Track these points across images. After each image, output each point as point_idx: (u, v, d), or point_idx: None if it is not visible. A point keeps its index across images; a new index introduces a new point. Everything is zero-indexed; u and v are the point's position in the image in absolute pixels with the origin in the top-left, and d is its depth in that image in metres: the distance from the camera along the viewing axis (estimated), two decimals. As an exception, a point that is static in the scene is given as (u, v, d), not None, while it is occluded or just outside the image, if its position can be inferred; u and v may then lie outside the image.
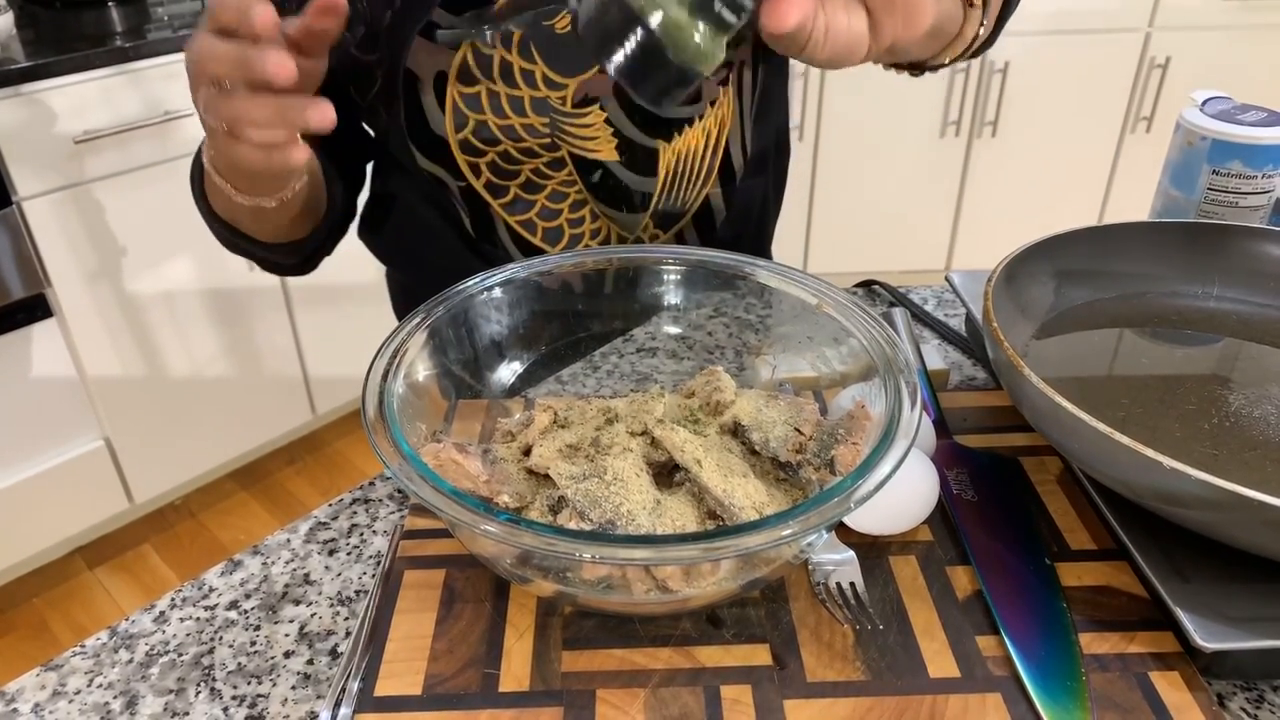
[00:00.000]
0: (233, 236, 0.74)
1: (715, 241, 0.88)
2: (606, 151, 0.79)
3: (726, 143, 0.83)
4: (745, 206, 0.89)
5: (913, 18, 0.47)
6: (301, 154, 0.53)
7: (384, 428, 0.48)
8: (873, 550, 0.55)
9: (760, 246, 0.97)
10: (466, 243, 0.84)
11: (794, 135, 2.06)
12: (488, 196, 0.80)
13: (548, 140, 0.77)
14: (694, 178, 0.83)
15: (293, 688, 0.49)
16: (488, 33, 0.68)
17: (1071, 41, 2.29)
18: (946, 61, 0.68)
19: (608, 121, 0.77)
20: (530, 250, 0.83)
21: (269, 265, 0.80)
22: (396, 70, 0.73)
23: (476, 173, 0.78)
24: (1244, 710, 0.47)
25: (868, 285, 0.87)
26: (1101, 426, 0.48)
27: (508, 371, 0.64)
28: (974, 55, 0.68)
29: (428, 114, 0.75)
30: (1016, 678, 0.47)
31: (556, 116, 0.76)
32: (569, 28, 0.74)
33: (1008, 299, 0.64)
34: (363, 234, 0.94)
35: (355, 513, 0.61)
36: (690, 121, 0.79)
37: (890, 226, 2.56)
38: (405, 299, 0.96)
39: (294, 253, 0.79)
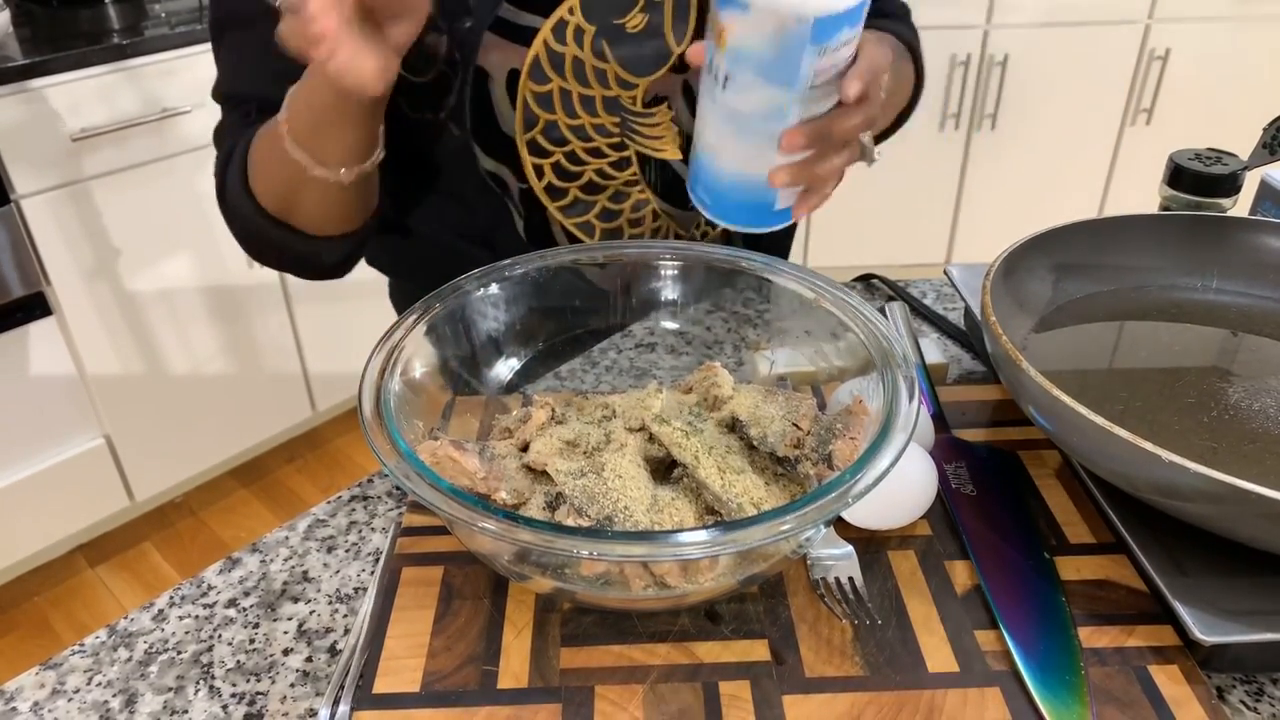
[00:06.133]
0: (278, 231, 0.72)
1: (757, 236, 0.89)
2: (670, 150, 0.80)
3: None
4: None
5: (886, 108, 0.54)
6: (376, 68, 0.53)
7: (381, 425, 0.48)
8: (871, 545, 0.55)
9: (786, 244, 0.99)
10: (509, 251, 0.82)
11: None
12: (546, 200, 0.79)
13: (617, 140, 0.78)
14: None
15: (291, 685, 0.49)
16: None
17: (1071, 34, 2.29)
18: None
19: (673, 120, 0.79)
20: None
21: (305, 264, 0.78)
22: (468, 68, 0.72)
23: (540, 174, 0.78)
24: (1243, 703, 0.47)
25: (866, 279, 0.87)
26: (1100, 420, 0.48)
27: (505, 368, 0.64)
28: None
29: (498, 111, 0.75)
30: (1015, 672, 0.47)
31: (627, 116, 0.77)
32: (640, 27, 0.74)
33: (1006, 293, 0.64)
34: (380, 254, 0.92)
35: (354, 510, 0.61)
36: None
37: (889, 220, 2.55)
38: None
39: (338, 247, 0.76)
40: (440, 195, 0.82)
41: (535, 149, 0.77)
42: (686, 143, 0.78)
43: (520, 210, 0.80)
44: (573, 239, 0.82)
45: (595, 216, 0.81)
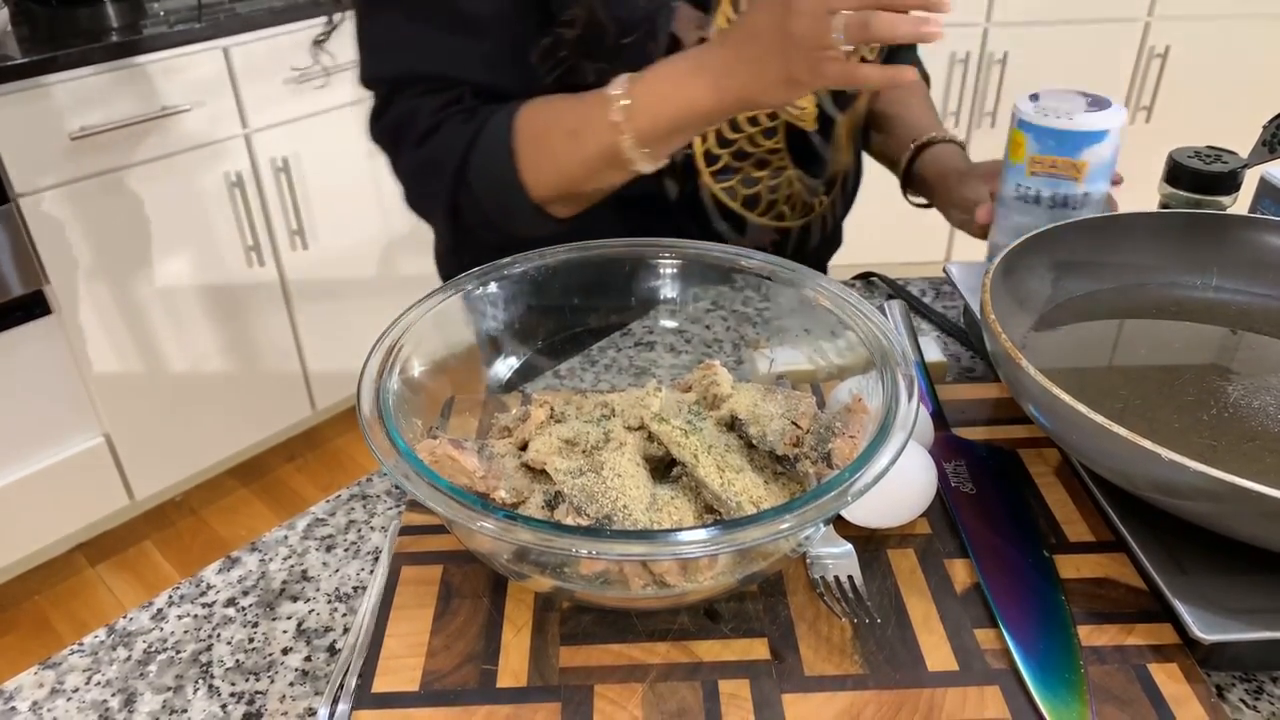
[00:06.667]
0: (535, 217, 0.76)
1: (850, 203, 1.02)
2: (809, 122, 0.86)
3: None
4: (860, 174, 1.02)
5: None
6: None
7: (379, 424, 0.47)
8: (871, 544, 0.55)
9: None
10: (650, 219, 0.86)
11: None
12: (702, 164, 0.84)
13: (771, 110, 0.83)
14: (844, 146, 0.93)
15: (291, 684, 0.49)
16: None
17: (1071, 31, 2.28)
18: None
19: (814, 93, 0.85)
20: (728, 214, 0.87)
21: (517, 244, 0.78)
22: (658, 35, 0.75)
23: (704, 139, 0.83)
24: (1243, 701, 0.47)
25: (866, 277, 0.87)
26: (1099, 418, 0.48)
27: (504, 366, 0.64)
28: None
29: None
30: (1015, 670, 0.47)
31: None
32: None
33: (1006, 291, 0.64)
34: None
35: (353, 509, 0.61)
36: (856, 96, 0.90)
37: (888, 218, 2.55)
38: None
39: (562, 228, 0.80)
40: None
41: None
42: (820, 114, 0.87)
43: (675, 176, 0.84)
44: (719, 204, 0.86)
45: (739, 182, 0.85)
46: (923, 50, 1.12)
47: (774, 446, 0.52)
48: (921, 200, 0.96)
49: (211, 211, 1.79)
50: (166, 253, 1.77)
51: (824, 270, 1.05)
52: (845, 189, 0.98)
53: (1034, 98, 0.74)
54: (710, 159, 0.84)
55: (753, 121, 0.83)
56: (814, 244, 0.94)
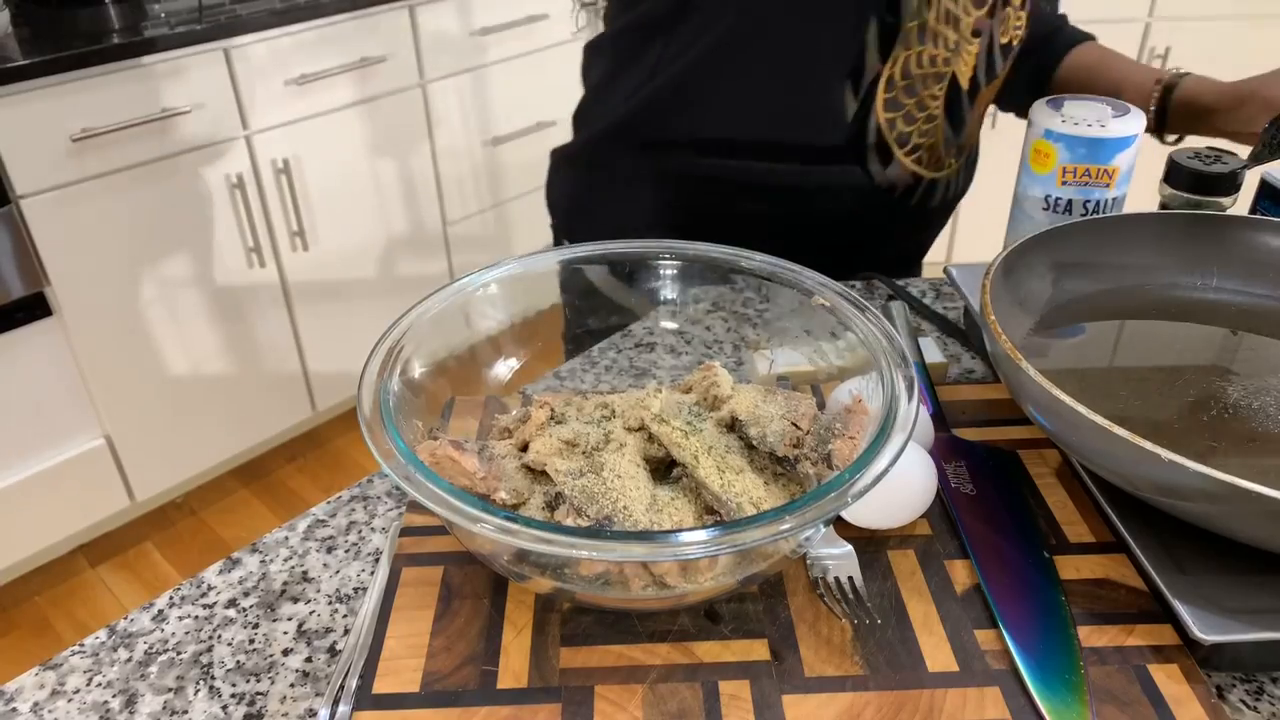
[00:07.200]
0: None
1: (966, 186, 1.04)
2: (965, 79, 0.90)
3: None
4: (976, 163, 1.06)
5: None
6: None
7: (380, 425, 0.48)
8: (871, 544, 0.55)
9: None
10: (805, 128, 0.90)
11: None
12: (881, 89, 0.87)
13: (946, 56, 0.87)
14: (979, 118, 0.97)
15: (291, 685, 0.49)
16: None
17: (1071, 32, 2.29)
18: None
19: (976, 54, 0.89)
20: (881, 145, 0.90)
21: None
22: None
23: (893, 63, 0.87)
24: (1243, 702, 0.47)
25: (866, 279, 0.87)
26: (1099, 419, 0.48)
27: (505, 367, 0.64)
28: None
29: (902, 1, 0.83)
30: (1015, 671, 0.47)
31: (960, 39, 0.87)
32: None
33: (1006, 292, 0.64)
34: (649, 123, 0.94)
35: (353, 510, 0.61)
36: (1000, 72, 0.93)
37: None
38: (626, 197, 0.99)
39: None
40: (775, 71, 0.88)
41: (904, 40, 0.85)
42: (973, 76, 0.90)
43: (856, 94, 0.87)
44: (879, 133, 0.90)
45: (901, 117, 0.89)
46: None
47: (774, 447, 0.52)
48: (1174, 137, 0.96)
49: (212, 213, 1.79)
50: (167, 254, 1.77)
51: (922, 258, 1.09)
52: (969, 165, 1.01)
53: (1053, 106, 0.75)
54: (889, 85, 0.87)
55: (931, 62, 0.86)
56: (934, 205, 0.97)
